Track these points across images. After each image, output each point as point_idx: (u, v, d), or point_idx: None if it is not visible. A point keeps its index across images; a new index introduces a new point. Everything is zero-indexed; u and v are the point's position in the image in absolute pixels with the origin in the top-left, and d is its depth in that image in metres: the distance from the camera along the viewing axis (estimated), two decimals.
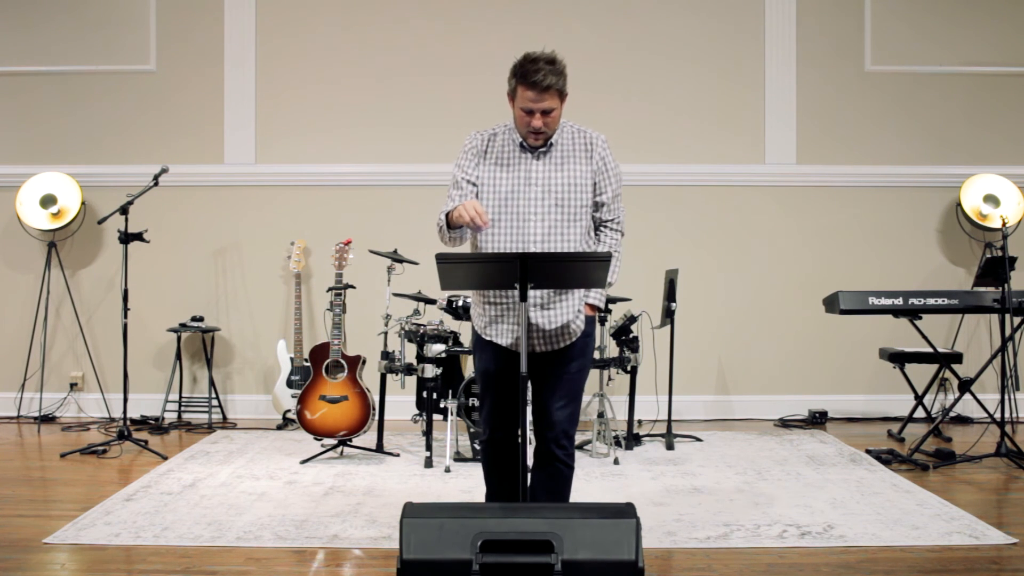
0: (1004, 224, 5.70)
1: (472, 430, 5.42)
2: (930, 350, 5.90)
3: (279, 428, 6.41)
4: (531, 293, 3.29)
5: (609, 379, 5.78)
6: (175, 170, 6.09)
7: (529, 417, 3.51)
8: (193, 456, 5.54)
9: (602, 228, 3.48)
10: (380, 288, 5.98)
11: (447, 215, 3.32)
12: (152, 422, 6.54)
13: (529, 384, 3.41)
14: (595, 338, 3.56)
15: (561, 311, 3.37)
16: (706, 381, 6.92)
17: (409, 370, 5.54)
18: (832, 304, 5.70)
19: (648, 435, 6.06)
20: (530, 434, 3.57)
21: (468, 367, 5.82)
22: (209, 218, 6.90)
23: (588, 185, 3.38)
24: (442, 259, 3.12)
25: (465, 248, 3.48)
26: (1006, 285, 5.31)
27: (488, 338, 3.43)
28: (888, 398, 6.78)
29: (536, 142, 3.34)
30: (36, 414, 6.70)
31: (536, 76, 3.19)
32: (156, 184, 5.73)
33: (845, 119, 6.94)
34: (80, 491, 4.77)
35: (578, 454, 5.57)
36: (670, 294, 5.87)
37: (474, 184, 3.38)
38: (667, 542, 3.89)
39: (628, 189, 6.60)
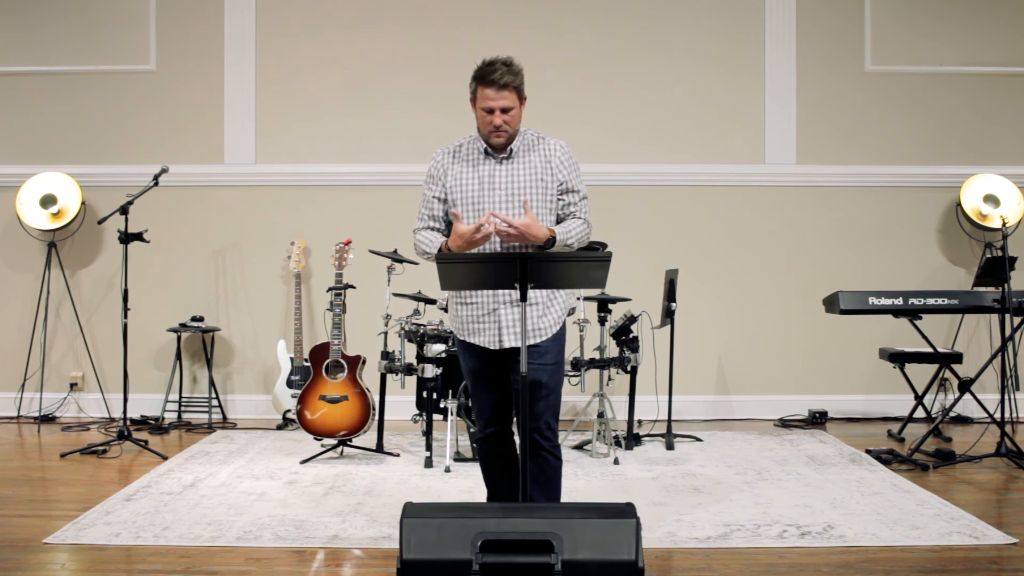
0: (1004, 224, 5.70)
1: (472, 430, 5.42)
2: (930, 350, 5.90)
3: (279, 428, 6.40)
4: (503, 292, 3.41)
5: (609, 379, 5.78)
6: (175, 170, 6.08)
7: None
8: (193, 456, 5.54)
9: (567, 218, 3.54)
10: (380, 288, 5.98)
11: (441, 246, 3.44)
12: (152, 422, 6.53)
13: (509, 381, 3.48)
14: (566, 336, 3.63)
15: (530, 309, 3.43)
16: (706, 381, 6.91)
17: (409, 370, 5.54)
18: (832, 304, 5.70)
19: (648, 435, 6.05)
20: (515, 428, 3.60)
21: None
22: (209, 218, 6.90)
23: (548, 190, 3.48)
24: (442, 259, 3.19)
25: None
26: (1006, 285, 5.31)
27: (464, 339, 3.53)
28: (888, 398, 6.77)
29: (499, 140, 3.45)
30: (36, 414, 6.70)
31: (494, 75, 3.40)
32: (156, 184, 5.73)
33: (845, 119, 6.93)
34: (80, 491, 4.77)
35: (578, 454, 5.58)
36: (670, 294, 5.87)
37: (441, 200, 3.51)
38: (667, 542, 3.90)
39: (629, 189, 6.70)
